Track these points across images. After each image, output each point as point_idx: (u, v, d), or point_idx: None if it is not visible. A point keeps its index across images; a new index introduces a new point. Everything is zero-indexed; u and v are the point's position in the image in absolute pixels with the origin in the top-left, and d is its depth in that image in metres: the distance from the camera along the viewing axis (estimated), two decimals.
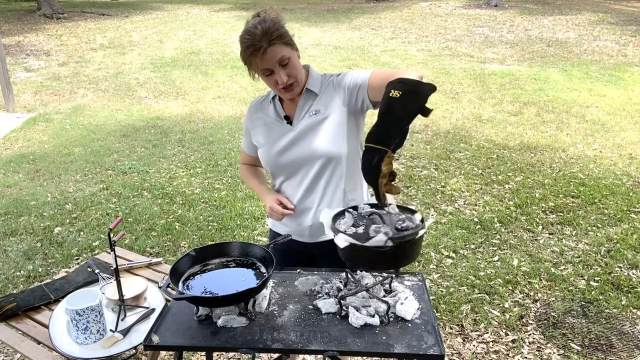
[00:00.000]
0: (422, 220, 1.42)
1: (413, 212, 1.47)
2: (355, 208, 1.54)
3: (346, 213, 1.51)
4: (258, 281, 1.50)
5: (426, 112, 1.32)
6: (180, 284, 1.54)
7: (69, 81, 8.41)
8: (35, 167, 5.06)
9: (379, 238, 1.31)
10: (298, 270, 1.73)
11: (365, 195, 1.84)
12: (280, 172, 1.79)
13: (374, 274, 1.64)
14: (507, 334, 2.74)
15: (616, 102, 6.74)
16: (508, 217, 3.93)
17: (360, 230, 1.40)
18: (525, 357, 2.59)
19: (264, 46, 1.56)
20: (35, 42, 11.73)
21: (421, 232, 1.36)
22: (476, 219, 3.91)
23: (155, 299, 2.01)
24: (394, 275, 1.64)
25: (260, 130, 1.79)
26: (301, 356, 2.50)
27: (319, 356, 1.36)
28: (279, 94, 1.71)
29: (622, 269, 3.28)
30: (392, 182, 1.32)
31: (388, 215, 1.46)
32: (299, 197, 1.78)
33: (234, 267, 1.65)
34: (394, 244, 1.30)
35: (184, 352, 1.80)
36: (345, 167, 1.71)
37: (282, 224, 1.86)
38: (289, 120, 1.74)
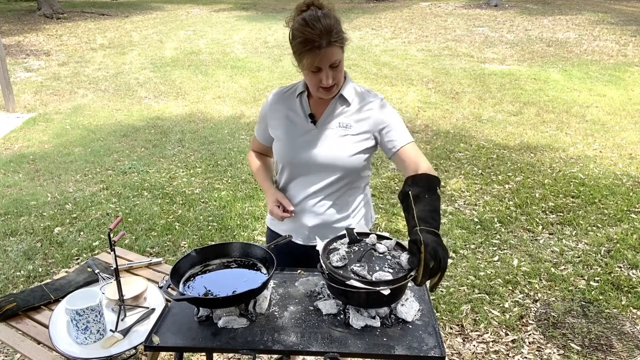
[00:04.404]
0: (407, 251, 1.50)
1: (403, 248, 1.54)
2: (343, 235, 1.59)
3: (340, 245, 1.56)
4: (259, 282, 1.50)
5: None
6: (181, 285, 1.54)
7: (69, 81, 8.40)
8: (35, 167, 5.06)
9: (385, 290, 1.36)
10: (299, 271, 1.73)
11: (359, 215, 1.85)
12: (292, 169, 1.77)
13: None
14: (507, 334, 2.74)
15: (616, 102, 6.74)
16: (508, 217, 3.93)
17: (359, 269, 1.43)
18: (525, 357, 2.59)
19: (323, 45, 1.50)
20: (35, 42, 11.72)
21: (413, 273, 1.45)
22: (476, 219, 3.91)
23: (155, 299, 2.01)
24: None
25: (280, 123, 1.76)
26: (301, 357, 2.50)
27: (320, 357, 1.36)
28: (315, 91, 1.65)
29: (622, 269, 3.28)
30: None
31: (376, 249, 1.53)
32: (302, 198, 1.78)
33: (235, 267, 1.65)
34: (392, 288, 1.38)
35: (185, 352, 1.79)
36: (356, 183, 1.76)
37: (280, 224, 1.86)
38: (313, 119, 1.71)
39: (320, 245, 1.54)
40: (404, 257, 1.46)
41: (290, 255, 1.85)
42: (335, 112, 1.70)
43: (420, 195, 1.41)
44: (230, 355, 2.63)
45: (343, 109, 1.70)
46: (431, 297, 1.88)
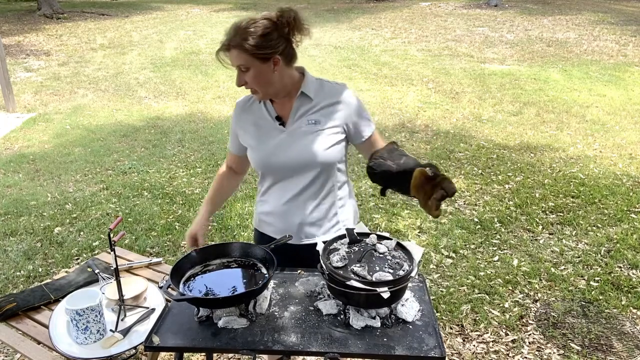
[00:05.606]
0: (409, 253, 1.51)
1: (403, 248, 1.54)
2: (344, 235, 1.59)
3: (340, 245, 1.56)
4: (259, 282, 1.50)
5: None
6: (181, 285, 1.54)
7: (69, 81, 8.40)
8: (35, 167, 5.06)
9: (382, 289, 1.36)
10: (299, 271, 1.73)
11: (345, 209, 1.85)
12: (271, 174, 1.77)
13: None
14: (507, 334, 2.74)
15: (616, 102, 6.74)
16: (508, 217, 3.93)
17: (359, 269, 1.43)
18: (525, 357, 2.59)
19: (223, 46, 1.59)
20: (35, 42, 11.72)
21: (413, 273, 1.44)
22: (476, 219, 3.91)
23: (155, 299, 2.01)
24: None
25: (249, 130, 1.76)
26: (301, 357, 2.50)
27: (320, 358, 1.36)
28: None
29: (622, 269, 3.28)
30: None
31: (376, 249, 1.53)
32: (286, 200, 1.76)
33: (235, 267, 1.65)
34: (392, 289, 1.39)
35: (185, 352, 1.79)
36: (336, 177, 1.76)
37: (268, 224, 1.85)
38: (281, 121, 1.71)
39: (320, 245, 1.54)
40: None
41: (283, 255, 1.85)
42: (300, 111, 1.69)
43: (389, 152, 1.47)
44: (230, 355, 2.63)
45: (307, 105, 1.70)
46: (431, 297, 1.88)
